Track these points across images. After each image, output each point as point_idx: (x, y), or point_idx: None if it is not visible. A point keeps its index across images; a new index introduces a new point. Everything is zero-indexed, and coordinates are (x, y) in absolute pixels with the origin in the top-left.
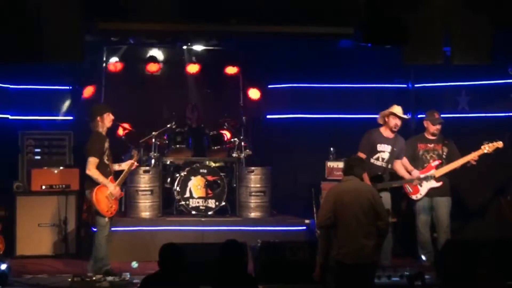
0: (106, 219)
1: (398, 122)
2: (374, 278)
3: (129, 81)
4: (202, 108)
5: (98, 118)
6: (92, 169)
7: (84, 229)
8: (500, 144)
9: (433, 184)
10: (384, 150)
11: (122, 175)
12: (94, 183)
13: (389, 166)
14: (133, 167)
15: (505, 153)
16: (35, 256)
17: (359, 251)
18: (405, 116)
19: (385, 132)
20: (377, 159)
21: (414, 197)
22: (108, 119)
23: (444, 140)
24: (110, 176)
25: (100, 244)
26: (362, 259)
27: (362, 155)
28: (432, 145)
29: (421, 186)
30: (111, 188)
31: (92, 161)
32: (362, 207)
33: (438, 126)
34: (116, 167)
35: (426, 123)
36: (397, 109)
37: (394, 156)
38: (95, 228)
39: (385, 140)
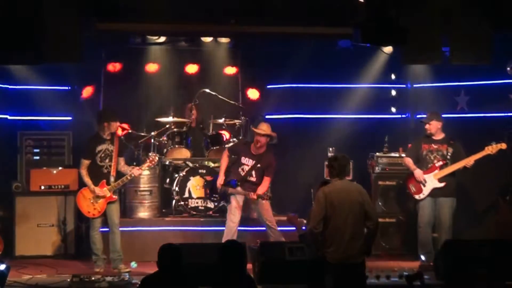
0: (94, 218)
1: (261, 139)
2: (364, 278)
3: (128, 81)
4: (201, 108)
5: (105, 123)
6: (80, 169)
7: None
8: (503, 145)
9: (436, 184)
10: (248, 164)
11: (121, 179)
12: (83, 183)
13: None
14: (137, 174)
15: (505, 153)
16: (34, 256)
17: (346, 251)
18: (267, 133)
19: (253, 148)
20: (242, 169)
21: (417, 197)
22: (114, 126)
23: (450, 141)
24: (103, 179)
25: (92, 241)
26: (348, 259)
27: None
28: (436, 146)
29: (424, 185)
30: (91, 189)
31: (81, 162)
32: (352, 207)
33: (426, 126)
34: (136, 171)
35: None
36: (261, 127)
37: (255, 170)
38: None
39: (251, 156)
